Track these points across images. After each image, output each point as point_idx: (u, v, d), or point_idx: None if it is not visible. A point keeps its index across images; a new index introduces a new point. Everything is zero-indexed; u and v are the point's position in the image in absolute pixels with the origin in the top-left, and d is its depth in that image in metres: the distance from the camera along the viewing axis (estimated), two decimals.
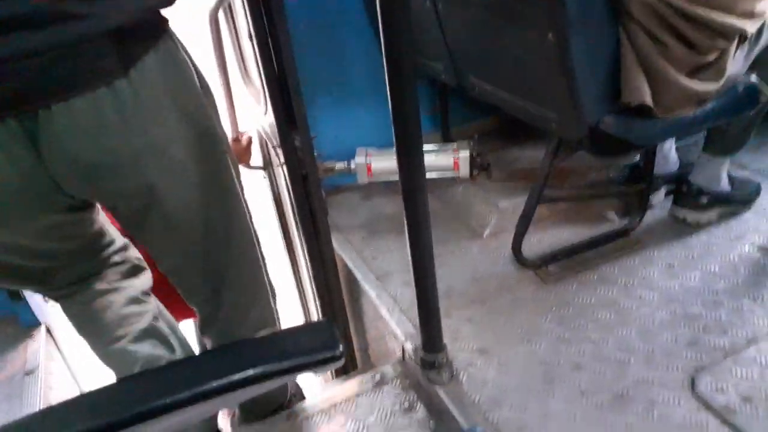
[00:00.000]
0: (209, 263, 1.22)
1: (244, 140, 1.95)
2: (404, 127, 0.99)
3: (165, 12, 0.99)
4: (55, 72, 0.83)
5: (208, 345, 1.41)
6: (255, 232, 1.36)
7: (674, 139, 1.85)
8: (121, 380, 0.56)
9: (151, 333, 1.31)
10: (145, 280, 1.37)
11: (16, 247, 1.08)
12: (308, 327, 0.61)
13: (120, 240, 1.33)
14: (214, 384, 0.44)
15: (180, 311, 1.66)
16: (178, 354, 1.35)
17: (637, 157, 1.80)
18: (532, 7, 1.21)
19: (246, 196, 1.41)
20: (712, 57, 1.25)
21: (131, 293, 1.32)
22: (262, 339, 0.60)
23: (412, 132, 0.99)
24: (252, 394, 0.48)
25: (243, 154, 1.96)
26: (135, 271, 1.35)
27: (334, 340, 0.48)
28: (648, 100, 1.23)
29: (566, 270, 1.64)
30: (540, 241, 1.77)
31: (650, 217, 1.78)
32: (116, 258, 1.31)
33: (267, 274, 1.42)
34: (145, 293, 1.36)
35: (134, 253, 1.37)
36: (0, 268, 1.13)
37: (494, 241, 1.82)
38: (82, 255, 1.23)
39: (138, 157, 0.97)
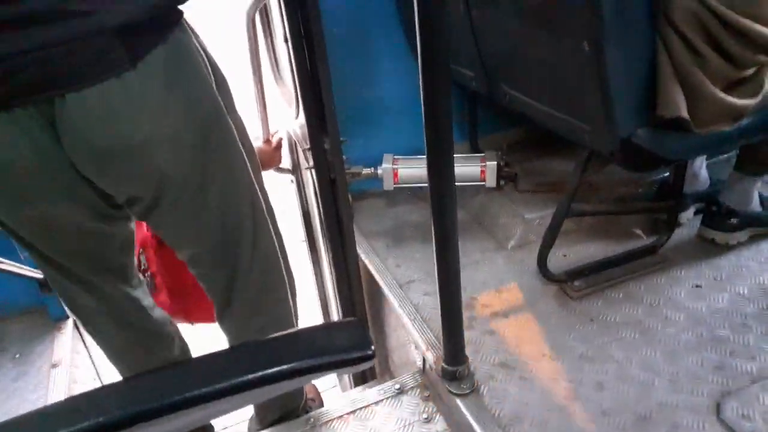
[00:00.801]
0: (222, 252, 1.25)
1: (275, 142, 1.97)
2: (436, 134, 0.98)
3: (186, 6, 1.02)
4: (66, 64, 0.89)
5: (227, 339, 1.43)
6: (275, 227, 1.37)
7: (705, 156, 1.82)
8: (146, 372, 0.56)
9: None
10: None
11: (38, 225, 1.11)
12: (338, 325, 0.61)
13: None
14: (245, 378, 0.44)
15: (199, 315, 1.70)
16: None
17: (667, 174, 1.77)
18: (567, 15, 1.21)
19: (271, 195, 1.42)
20: (750, 72, 1.22)
21: (155, 310, 1.44)
22: (294, 334, 0.60)
23: (444, 139, 0.99)
24: (280, 390, 0.48)
25: (273, 156, 1.98)
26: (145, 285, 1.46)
27: (366, 340, 0.48)
28: (684, 113, 1.21)
29: (592, 286, 1.61)
30: (566, 255, 1.75)
31: (678, 235, 1.74)
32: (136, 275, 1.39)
33: (287, 272, 1.42)
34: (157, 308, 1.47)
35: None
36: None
37: (519, 253, 1.81)
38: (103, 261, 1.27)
39: (148, 144, 1.01)
